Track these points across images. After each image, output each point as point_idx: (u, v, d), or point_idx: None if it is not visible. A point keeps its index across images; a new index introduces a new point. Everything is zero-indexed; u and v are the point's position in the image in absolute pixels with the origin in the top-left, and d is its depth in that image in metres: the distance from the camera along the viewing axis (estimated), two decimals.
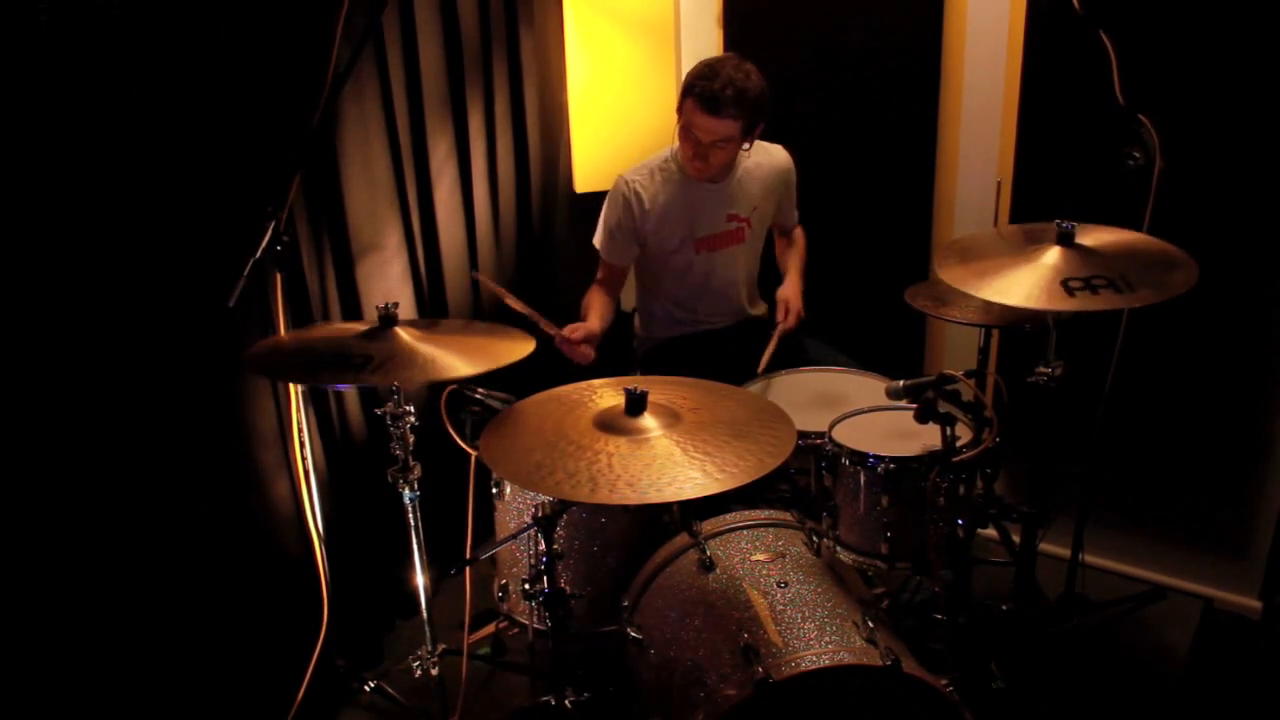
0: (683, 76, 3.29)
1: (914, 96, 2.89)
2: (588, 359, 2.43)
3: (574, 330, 2.41)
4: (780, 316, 2.65)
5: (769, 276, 2.92)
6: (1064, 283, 1.93)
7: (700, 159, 2.50)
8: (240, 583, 2.21)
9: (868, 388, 2.44)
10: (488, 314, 2.91)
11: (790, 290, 2.73)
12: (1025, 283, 1.95)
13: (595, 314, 2.58)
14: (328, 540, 2.25)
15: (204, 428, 2.10)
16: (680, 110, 2.48)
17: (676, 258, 2.67)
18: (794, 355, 2.61)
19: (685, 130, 2.48)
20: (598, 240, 2.70)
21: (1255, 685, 2.41)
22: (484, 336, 2.07)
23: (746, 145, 2.54)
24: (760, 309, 2.87)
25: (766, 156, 2.71)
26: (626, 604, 2.02)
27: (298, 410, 2.19)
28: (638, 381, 1.82)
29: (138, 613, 1.99)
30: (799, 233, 2.92)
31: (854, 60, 2.97)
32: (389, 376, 1.89)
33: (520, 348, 1.98)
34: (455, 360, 1.92)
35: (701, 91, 2.39)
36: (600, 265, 2.71)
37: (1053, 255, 2.01)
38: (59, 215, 1.80)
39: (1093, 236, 2.07)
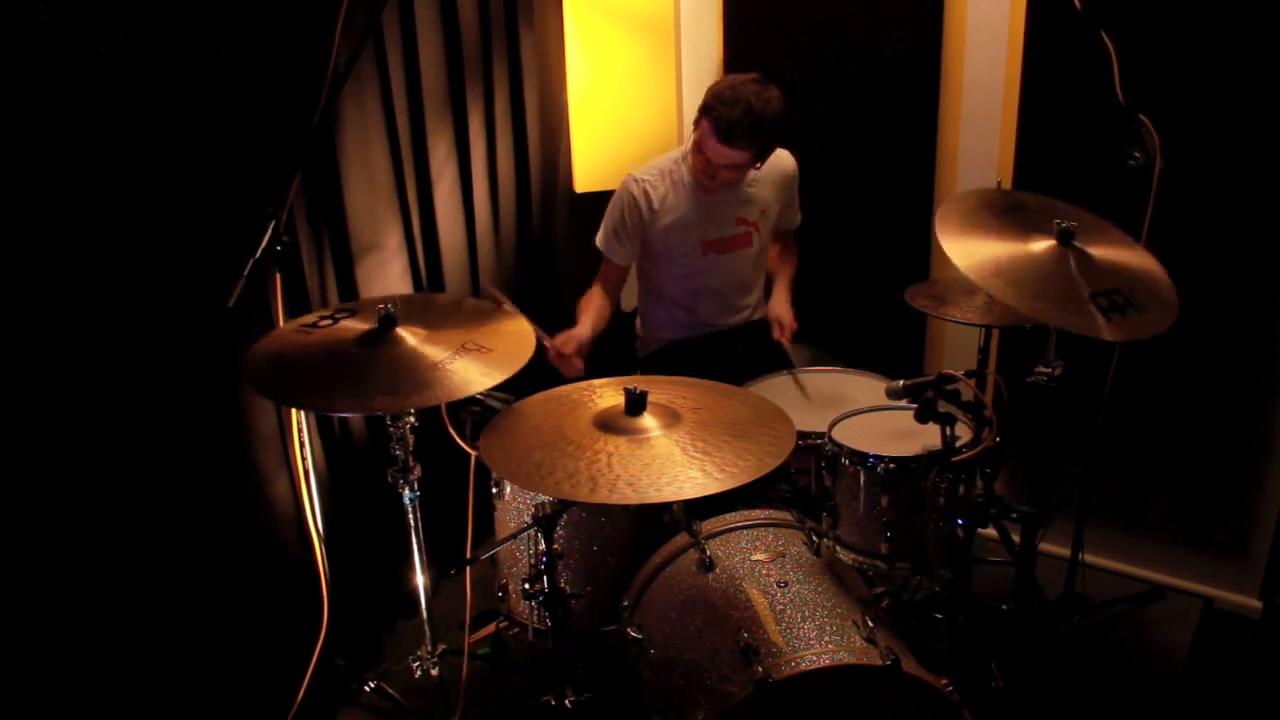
0: (683, 76, 3.33)
1: (914, 96, 2.89)
2: (578, 372, 2.43)
3: (565, 343, 2.43)
4: (776, 335, 2.65)
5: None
6: (1091, 297, 1.88)
7: (709, 176, 2.54)
8: (240, 583, 2.21)
9: (868, 388, 2.44)
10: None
11: (781, 306, 2.76)
12: (1054, 296, 1.88)
13: (588, 317, 2.58)
14: (328, 540, 2.25)
15: (204, 428, 2.10)
16: (697, 125, 2.48)
17: (683, 260, 2.67)
18: (785, 363, 2.61)
19: (698, 146, 2.49)
20: (600, 238, 2.69)
21: (1255, 685, 2.41)
22: (484, 326, 2.02)
23: (758, 165, 2.55)
24: (763, 312, 2.86)
25: (774, 160, 2.70)
26: (626, 604, 2.02)
27: (298, 410, 2.19)
28: (637, 381, 1.82)
29: (138, 613, 1.99)
30: (791, 241, 2.92)
31: (854, 60, 2.97)
32: (396, 402, 1.82)
33: (521, 332, 1.95)
34: (472, 373, 1.84)
35: (718, 117, 2.39)
36: (602, 263, 2.71)
37: (1068, 261, 1.95)
38: (59, 215, 1.80)
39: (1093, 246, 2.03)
